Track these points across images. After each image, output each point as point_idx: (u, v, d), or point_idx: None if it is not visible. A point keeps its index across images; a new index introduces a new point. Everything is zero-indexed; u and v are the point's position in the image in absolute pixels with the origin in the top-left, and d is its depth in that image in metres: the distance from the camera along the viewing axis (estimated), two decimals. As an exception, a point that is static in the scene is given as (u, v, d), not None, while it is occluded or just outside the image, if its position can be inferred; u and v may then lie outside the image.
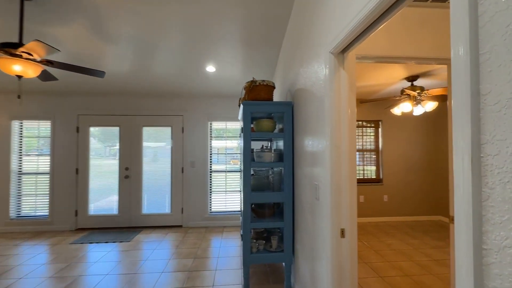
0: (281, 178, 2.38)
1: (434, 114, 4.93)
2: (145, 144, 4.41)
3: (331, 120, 1.42)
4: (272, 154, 2.28)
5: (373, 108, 4.83)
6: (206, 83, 3.87)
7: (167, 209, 4.44)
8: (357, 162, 4.90)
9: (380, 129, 4.90)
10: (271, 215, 2.41)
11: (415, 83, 3.53)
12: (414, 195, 4.88)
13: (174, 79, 3.67)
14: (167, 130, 4.46)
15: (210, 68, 3.33)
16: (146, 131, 4.43)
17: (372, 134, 4.96)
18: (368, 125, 4.91)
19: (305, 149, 1.93)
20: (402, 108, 3.28)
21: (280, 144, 2.63)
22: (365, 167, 4.92)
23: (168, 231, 4.24)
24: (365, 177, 4.90)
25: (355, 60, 1.49)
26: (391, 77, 3.36)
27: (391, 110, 3.59)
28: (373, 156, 4.95)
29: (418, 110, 3.45)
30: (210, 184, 4.49)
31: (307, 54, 1.88)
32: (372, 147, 4.96)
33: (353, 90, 1.47)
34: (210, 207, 4.51)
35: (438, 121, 4.90)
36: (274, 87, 2.34)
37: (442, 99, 3.16)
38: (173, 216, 4.44)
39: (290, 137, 2.21)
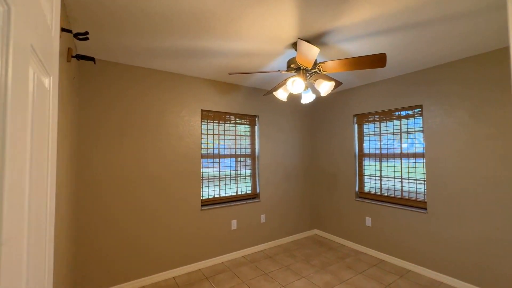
0: None
1: (311, 107, 4.35)
2: None
3: None
4: None
5: (248, 99, 3.61)
6: None
7: None
8: (231, 169, 3.50)
9: (256, 127, 3.75)
10: None
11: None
12: (294, 209, 4.02)
13: None
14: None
15: None
16: None
17: (247, 134, 3.74)
18: (243, 121, 3.65)
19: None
20: (292, 88, 2.08)
21: None
22: (240, 180, 3.60)
23: None
24: (238, 194, 3.57)
25: None
26: (277, 36, 2.09)
27: (275, 93, 2.37)
28: (248, 164, 3.73)
29: (308, 97, 2.39)
30: None
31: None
32: (248, 151, 3.74)
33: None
34: None
35: (316, 116, 4.35)
36: None
37: (337, 83, 2.21)
38: None
39: None
